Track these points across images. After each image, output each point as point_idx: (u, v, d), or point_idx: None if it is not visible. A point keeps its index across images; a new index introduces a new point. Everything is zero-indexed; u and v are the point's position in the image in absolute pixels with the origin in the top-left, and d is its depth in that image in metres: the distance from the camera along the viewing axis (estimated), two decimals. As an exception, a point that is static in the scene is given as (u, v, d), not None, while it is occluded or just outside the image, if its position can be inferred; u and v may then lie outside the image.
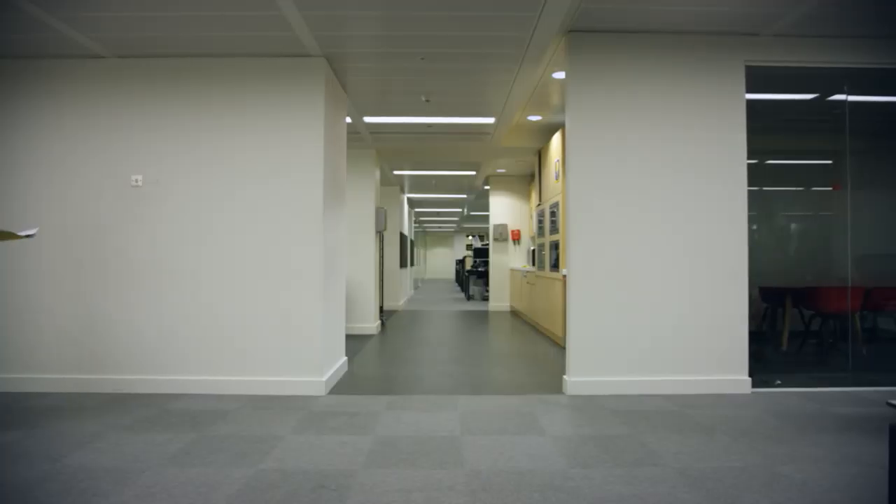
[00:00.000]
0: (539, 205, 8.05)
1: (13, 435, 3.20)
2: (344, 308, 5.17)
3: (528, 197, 10.78)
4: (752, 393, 4.09)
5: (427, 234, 27.99)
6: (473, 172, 10.11)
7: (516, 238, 10.88)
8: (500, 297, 11.00)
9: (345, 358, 5.10)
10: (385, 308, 10.40)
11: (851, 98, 4.45)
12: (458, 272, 19.44)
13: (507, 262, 10.93)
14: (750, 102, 4.19)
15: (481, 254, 14.07)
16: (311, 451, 2.97)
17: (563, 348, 4.21)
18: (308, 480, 2.57)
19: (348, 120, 5.61)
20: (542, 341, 6.80)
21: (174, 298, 4.21)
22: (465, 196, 13.73)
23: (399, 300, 11.35)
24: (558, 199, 6.45)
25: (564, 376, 4.20)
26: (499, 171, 10.26)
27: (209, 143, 4.25)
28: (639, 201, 4.15)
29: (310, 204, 4.23)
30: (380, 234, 8.09)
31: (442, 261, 28.50)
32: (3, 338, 4.22)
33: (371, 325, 7.65)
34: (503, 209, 10.96)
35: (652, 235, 4.15)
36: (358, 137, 6.93)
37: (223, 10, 3.58)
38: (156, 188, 4.24)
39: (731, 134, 4.17)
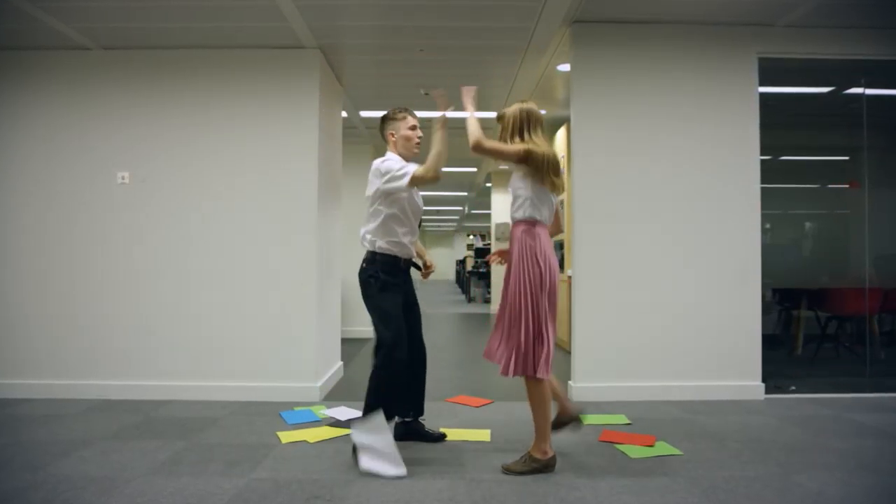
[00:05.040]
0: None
1: (-7, 443, 3.12)
2: (339, 310, 5.05)
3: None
4: (766, 399, 3.98)
5: (426, 234, 27.89)
6: (474, 169, 10.00)
7: (518, 237, 10.71)
8: (502, 297, 10.84)
9: (340, 363, 4.99)
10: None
11: (869, 91, 4.36)
12: (458, 273, 19.36)
13: (508, 262, 10.76)
14: (763, 96, 4.08)
15: (483, 254, 13.96)
16: (305, 459, 2.89)
17: (568, 352, 4.09)
18: (302, 490, 2.50)
19: (344, 114, 5.52)
20: (544, 343, 6.66)
21: (162, 300, 4.08)
22: (465, 194, 13.62)
23: (399, 301, 11.21)
24: (563, 196, 6.32)
25: (570, 382, 4.08)
26: (501, 167, 10.10)
27: (199, 138, 4.12)
28: (647, 199, 4.02)
29: (304, 201, 4.11)
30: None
31: (442, 261, 28.33)
32: (-15, 341, 4.10)
33: (368, 328, 7.49)
34: (506, 207, 10.79)
35: (660, 234, 4.02)
36: (354, 132, 6.82)
37: (214, 0, 3.45)
38: (143, 186, 4.11)
39: (743, 129, 4.04)
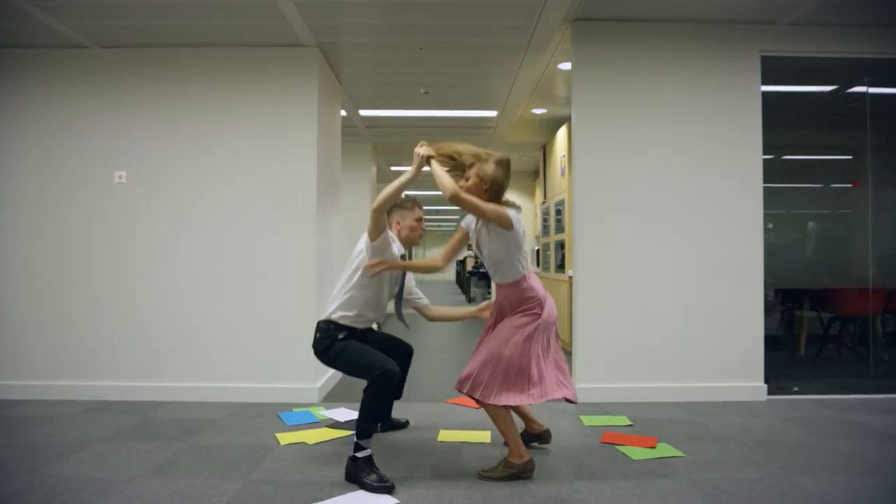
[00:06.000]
0: (544, 202, 7.89)
1: (-11, 444, 3.10)
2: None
3: (532, 194, 10.61)
4: (768, 400, 3.95)
5: (426, 234, 27.84)
6: (474, 170, 9.96)
7: (519, 237, 10.66)
8: (502, 297, 10.78)
9: (341, 362, 4.94)
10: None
11: (872, 90, 4.32)
12: (458, 273, 19.30)
13: (509, 261, 10.70)
14: (765, 95, 4.04)
15: (483, 253, 13.88)
16: (304, 461, 2.87)
17: (569, 353, 4.05)
18: (300, 492, 2.49)
19: (343, 113, 5.49)
20: (545, 344, 6.63)
21: (161, 301, 4.05)
22: (465, 194, 13.55)
23: (398, 301, 11.17)
24: (564, 196, 6.30)
25: (570, 382, 4.04)
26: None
27: (196, 137, 4.09)
28: (649, 198, 3.99)
29: (303, 201, 4.08)
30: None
31: (442, 261, 28.29)
32: (-18, 341, 4.07)
33: (369, 326, 7.48)
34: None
35: (662, 234, 3.99)
36: (353, 132, 6.80)
37: (211, -3, 3.44)
38: (141, 185, 4.08)
39: (745, 128, 4.01)
